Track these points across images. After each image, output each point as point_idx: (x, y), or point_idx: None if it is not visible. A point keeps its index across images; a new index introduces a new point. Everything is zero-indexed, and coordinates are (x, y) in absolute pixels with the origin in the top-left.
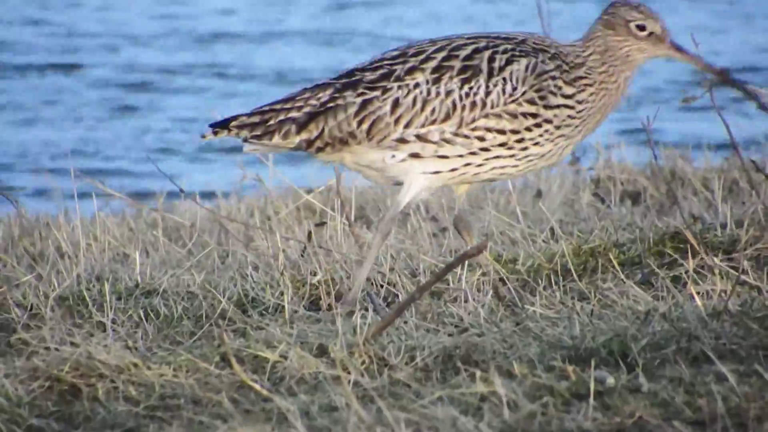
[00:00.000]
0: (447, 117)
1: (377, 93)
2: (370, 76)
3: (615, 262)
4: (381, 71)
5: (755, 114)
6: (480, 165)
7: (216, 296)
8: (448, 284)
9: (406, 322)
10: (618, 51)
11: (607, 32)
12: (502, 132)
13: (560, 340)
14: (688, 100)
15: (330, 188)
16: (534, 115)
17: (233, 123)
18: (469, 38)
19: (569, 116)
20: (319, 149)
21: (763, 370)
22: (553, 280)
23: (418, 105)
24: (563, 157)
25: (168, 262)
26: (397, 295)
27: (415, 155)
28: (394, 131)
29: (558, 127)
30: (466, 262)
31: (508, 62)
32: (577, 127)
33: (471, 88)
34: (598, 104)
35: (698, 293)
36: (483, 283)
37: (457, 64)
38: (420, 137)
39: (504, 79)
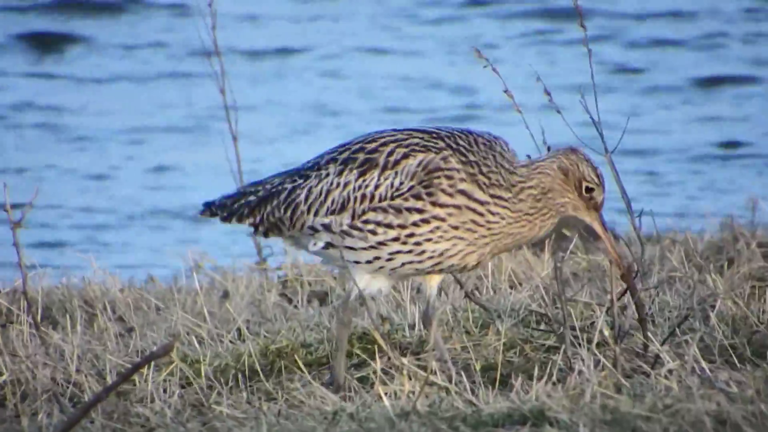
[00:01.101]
0: (343, 208)
1: (301, 181)
2: (309, 164)
3: (301, 363)
4: (317, 160)
5: None
6: (389, 260)
7: None
8: (135, 384)
9: (92, 422)
10: (558, 198)
11: (558, 176)
12: (390, 226)
13: None
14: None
15: (16, 289)
16: (420, 211)
17: (217, 202)
18: (393, 132)
19: (473, 221)
20: (265, 233)
21: None
22: (240, 380)
23: (323, 195)
24: (468, 263)
25: None
26: (84, 395)
27: (330, 244)
28: (307, 219)
29: (455, 228)
30: (153, 362)
31: (405, 156)
32: (484, 237)
33: (365, 181)
34: (512, 228)
35: (386, 393)
36: (169, 383)
37: (361, 156)
38: (325, 227)
39: (396, 172)
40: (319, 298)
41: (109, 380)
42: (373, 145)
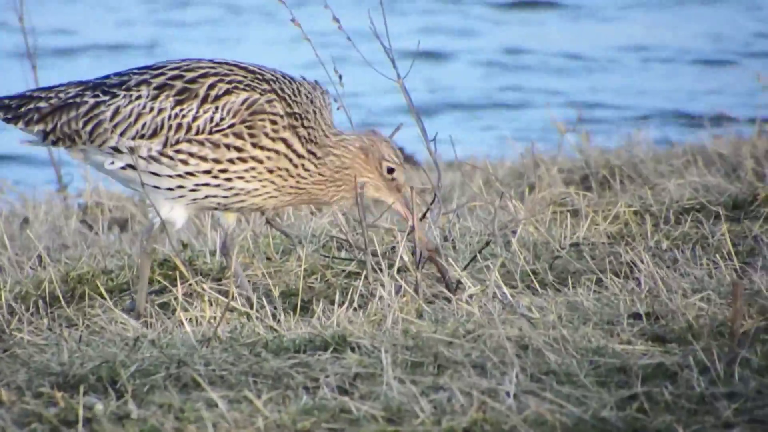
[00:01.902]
0: (154, 134)
1: (106, 98)
2: (114, 80)
3: (102, 289)
4: (123, 78)
5: None
6: (193, 190)
7: None
8: None
9: None
10: (357, 176)
11: (359, 155)
12: (204, 159)
13: (48, 367)
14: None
15: None
16: (239, 149)
17: None
18: (213, 63)
19: (287, 169)
20: (54, 142)
21: (254, 396)
22: (40, 307)
23: (133, 117)
24: (268, 206)
25: None
26: None
27: (131, 166)
28: (111, 138)
29: (270, 171)
30: None
31: (227, 92)
32: (291, 187)
33: (182, 110)
34: (314, 189)
35: (188, 320)
36: None
37: (178, 84)
38: (132, 150)
39: (216, 107)
40: (119, 225)
41: None
42: (192, 75)
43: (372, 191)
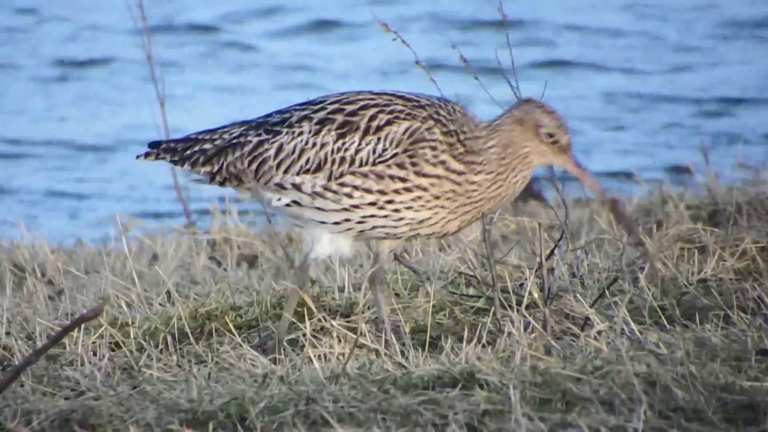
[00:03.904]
0: (318, 169)
1: (269, 136)
2: (275, 118)
3: (231, 326)
4: (284, 116)
5: None
6: (360, 222)
7: None
8: (65, 347)
9: (22, 386)
10: (520, 149)
11: (514, 128)
12: (369, 191)
13: (177, 404)
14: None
15: None
16: (403, 179)
17: (163, 145)
18: (371, 95)
19: (453, 191)
20: (221, 183)
21: None
22: (169, 343)
23: (297, 153)
24: (450, 230)
25: None
26: (13, 359)
27: (296, 202)
28: (275, 175)
29: (437, 197)
30: (83, 325)
31: (388, 123)
32: (464, 205)
33: (344, 144)
34: (491, 192)
35: (316, 356)
36: (99, 346)
37: (339, 118)
38: (295, 186)
39: (378, 138)
40: (248, 261)
41: (39, 343)
42: (352, 107)
43: (537, 159)
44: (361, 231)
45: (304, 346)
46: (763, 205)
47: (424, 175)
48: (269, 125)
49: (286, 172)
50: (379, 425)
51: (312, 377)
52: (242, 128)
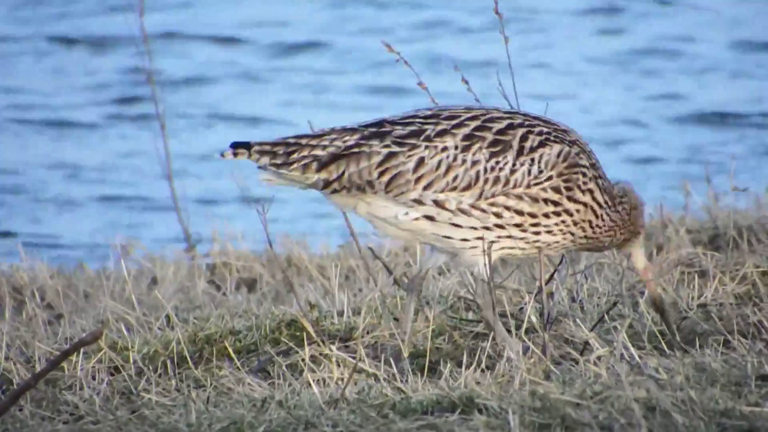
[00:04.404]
0: (468, 187)
1: (404, 149)
2: (400, 130)
3: (230, 350)
4: (411, 128)
5: None
6: (493, 242)
7: None
8: (64, 371)
9: (21, 410)
10: (635, 221)
11: (634, 202)
12: (520, 213)
13: (176, 428)
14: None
15: None
16: (556, 203)
17: (256, 147)
18: (505, 113)
19: (590, 221)
20: (335, 191)
21: None
22: (169, 368)
23: (442, 169)
24: (559, 253)
25: None
26: (12, 383)
27: (429, 217)
28: (412, 190)
29: (575, 224)
30: (82, 350)
31: (541, 144)
32: (586, 237)
33: (498, 163)
34: (605, 235)
35: (315, 381)
36: (98, 371)
37: (489, 136)
38: (437, 202)
39: (532, 159)
40: (247, 285)
41: (38, 367)
42: (498, 125)
43: (636, 246)
44: (485, 250)
45: (302, 370)
46: (764, 229)
47: (575, 201)
48: (396, 137)
49: (427, 187)
50: None
51: (311, 402)
52: (355, 136)
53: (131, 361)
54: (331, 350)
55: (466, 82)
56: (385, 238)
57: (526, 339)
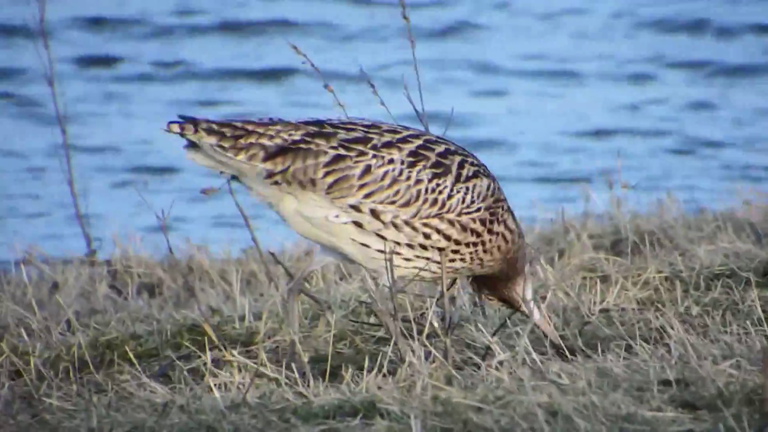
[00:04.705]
0: (407, 204)
1: (352, 153)
2: (344, 135)
3: (131, 355)
4: (356, 134)
5: None
6: (407, 259)
7: None
8: None
9: None
10: (519, 263)
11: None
12: (447, 238)
13: None
14: (207, 192)
15: None
16: (478, 234)
17: (204, 124)
18: (437, 138)
19: (498, 247)
20: (276, 183)
21: None
22: (70, 372)
23: (387, 181)
24: (462, 276)
25: None
26: None
27: (358, 224)
28: (354, 195)
29: (485, 251)
30: None
31: (475, 175)
32: (492, 260)
33: (438, 185)
34: (499, 260)
35: (216, 385)
36: None
37: (432, 156)
38: (374, 212)
39: (467, 188)
40: (148, 290)
41: None
42: (438, 148)
43: (514, 277)
44: (397, 265)
45: (204, 375)
46: (666, 234)
47: (492, 232)
48: (346, 141)
49: (368, 196)
50: None
51: (212, 406)
52: (299, 132)
53: (32, 365)
54: (232, 355)
55: (376, 93)
56: (287, 242)
57: (427, 344)
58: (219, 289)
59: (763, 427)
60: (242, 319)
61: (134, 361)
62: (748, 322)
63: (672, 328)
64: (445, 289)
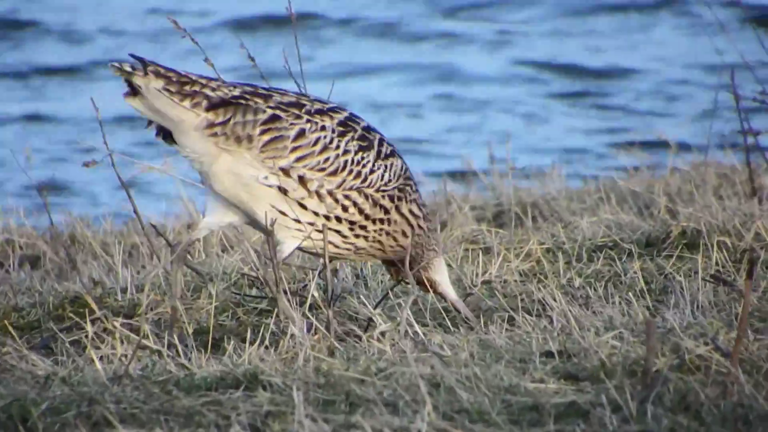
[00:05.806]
0: (334, 173)
1: (288, 117)
2: (278, 97)
3: (12, 327)
4: (289, 98)
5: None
6: (319, 231)
7: None
8: None
9: None
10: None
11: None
12: (361, 212)
13: None
14: (89, 165)
15: None
16: (386, 211)
17: (152, 67)
18: (356, 116)
19: (403, 231)
20: (214, 135)
21: None
22: None
23: (318, 147)
24: (361, 260)
25: None
26: None
27: (283, 190)
28: (285, 158)
29: (388, 234)
30: None
31: (391, 154)
32: (394, 247)
33: (363, 158)
34: (401, 245)
35: (99, 357)
36: None
37: (359, 129)
38: (301, 179)
39: (386, 166)
40: (30, 262)
41: None
42: (362, 123)
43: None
44: (305, 236)
45: (86, 347)
46: (549, 206)
47: (399, 213)
48: (281, 103)
49: (299, 160)
50: (161, 426)
51: (94, 378)
52: (235, 90)
53: None
54: (114, 327)
55: (252, 60)
56: (168, 217)
57: (310, 316)
58: (101, 261)
59: (646, 399)
60: (124, 291)
61: (14, 334)
62: (630, 294)
63: (554, 299)
64: (327, 262)
